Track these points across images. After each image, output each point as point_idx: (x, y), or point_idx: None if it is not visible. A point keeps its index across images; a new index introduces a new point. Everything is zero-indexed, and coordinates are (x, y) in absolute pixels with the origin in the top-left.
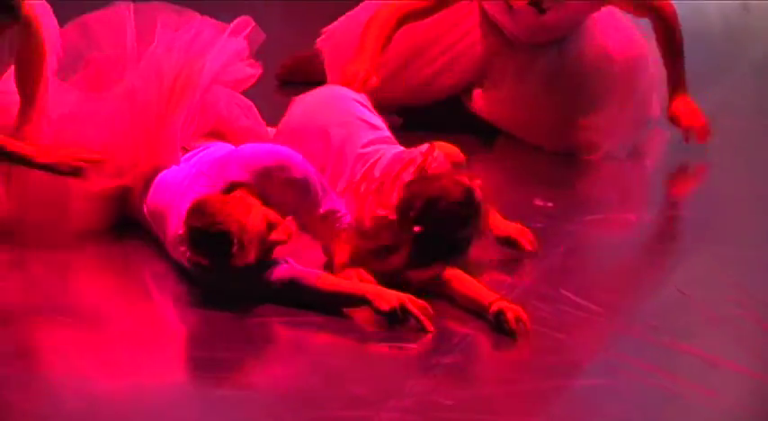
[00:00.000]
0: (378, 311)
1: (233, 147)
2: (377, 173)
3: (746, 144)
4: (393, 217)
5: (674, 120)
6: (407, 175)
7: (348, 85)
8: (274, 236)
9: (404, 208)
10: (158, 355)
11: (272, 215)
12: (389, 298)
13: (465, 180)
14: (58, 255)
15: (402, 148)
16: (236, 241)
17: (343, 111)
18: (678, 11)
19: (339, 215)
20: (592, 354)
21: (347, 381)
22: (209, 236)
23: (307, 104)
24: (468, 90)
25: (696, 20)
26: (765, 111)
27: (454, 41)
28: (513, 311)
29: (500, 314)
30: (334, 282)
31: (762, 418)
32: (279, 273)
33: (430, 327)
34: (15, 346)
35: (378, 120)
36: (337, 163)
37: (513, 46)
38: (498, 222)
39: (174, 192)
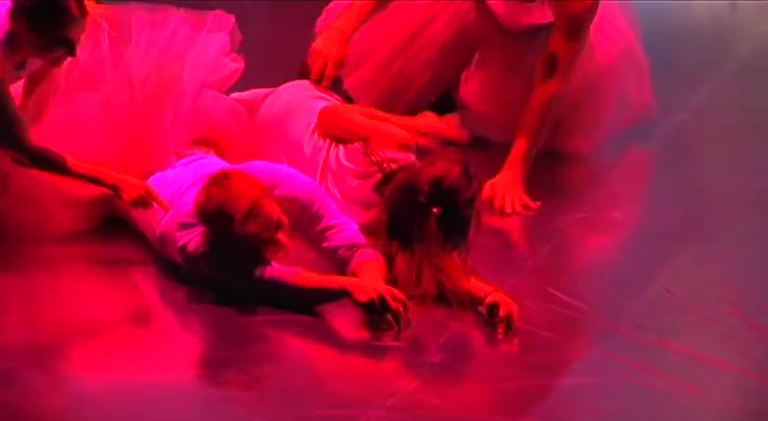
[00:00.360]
0: (357, 303)
1: (226, 163)
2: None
3: (733, 141)
4: (382, 217)
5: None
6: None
7: (316, 64)
8: (279, 235)
9: (408, 195)
10: (144, 356)
11: (284, 219)
12: (368, 289)
13: (453, 155)
14: (44, 253)
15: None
16: (246, 208)
17: (296, 98)
18: (666, 9)
19: (340, 230)
20: (579, 353)
21: (335, 380)
22: (225, 197)
23: (268, 102)
24: (455, 87)
25: (684, 18)
26: (752, 108)
27: (433, 35)
28: (506, 306)
29: (494, 307)
30: (313, 278)
31: (748, 415)
32: (266, 272)
33: (405, 322)
34: (5, 345)
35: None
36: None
37: (505, 33)
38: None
39: (170, 195)
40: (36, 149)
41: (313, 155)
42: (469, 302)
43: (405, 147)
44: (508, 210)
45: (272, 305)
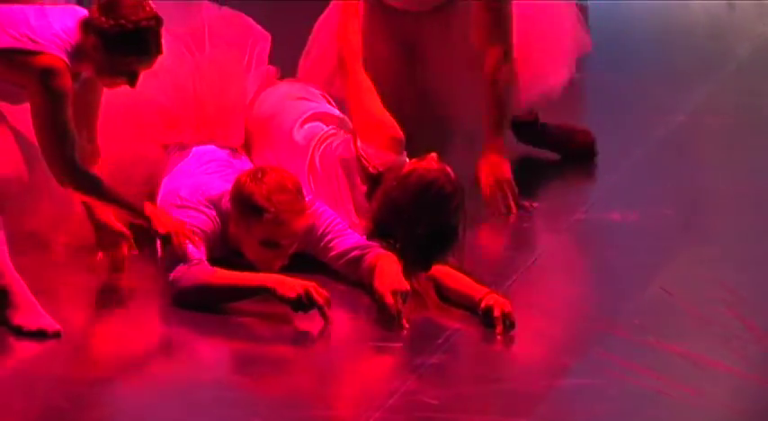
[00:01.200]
0: (282, 298)
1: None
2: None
3: (731, 142)
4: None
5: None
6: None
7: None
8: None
9: (393, 211)
10: (142, 357)
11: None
12: (293, 285)
13: (433, 164)
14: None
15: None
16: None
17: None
18: (664, 9)
19: (347, 236)
20: (577, 354)
21: (332, 382)
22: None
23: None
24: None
25: (681, 18)
26: (750, 109)
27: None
28: (501, 306)
29: (490, 310)
30: (232, 275)
31: (746, 416)
32: (182, 279)
33: (329, 316)
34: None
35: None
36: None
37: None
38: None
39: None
40: (82, 172)
41: (305, 140)
42: (465, 305)
43: (395, 142)
44: (507, 211)
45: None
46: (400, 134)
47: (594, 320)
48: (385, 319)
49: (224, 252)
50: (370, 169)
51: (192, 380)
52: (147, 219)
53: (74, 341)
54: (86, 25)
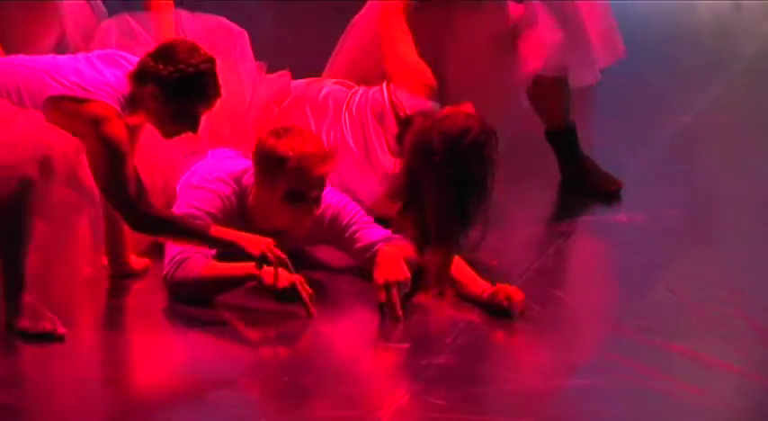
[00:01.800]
0: (268, 287)
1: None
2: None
3: (737, 142)
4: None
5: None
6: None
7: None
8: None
9: (424, 153)
10: (149, 357)
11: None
12: (281, 277)
13: (470, 111)
14: None
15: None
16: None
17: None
18: (670, 9)
19: (373, 229)
20: (584, 355)
21: (340, 382)
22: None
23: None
24: None
25: (688, 18)
26: (756, 109)
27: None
28: (506, 292)
29: (494, 295)
30: (222, 266)
31: (751, 416)
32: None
33: (313, 310)
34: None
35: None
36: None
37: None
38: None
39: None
40: (146, 216)
41: (334, 98)
42: (468, 295)
43: (428, 89)
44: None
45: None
46: (433, 81)
47: (601, 321)
48: (383, 311)
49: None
50: (402, 114)
51: (199, 380)
52: (233, 245)
53: (83, 342)
54: (140, 74)
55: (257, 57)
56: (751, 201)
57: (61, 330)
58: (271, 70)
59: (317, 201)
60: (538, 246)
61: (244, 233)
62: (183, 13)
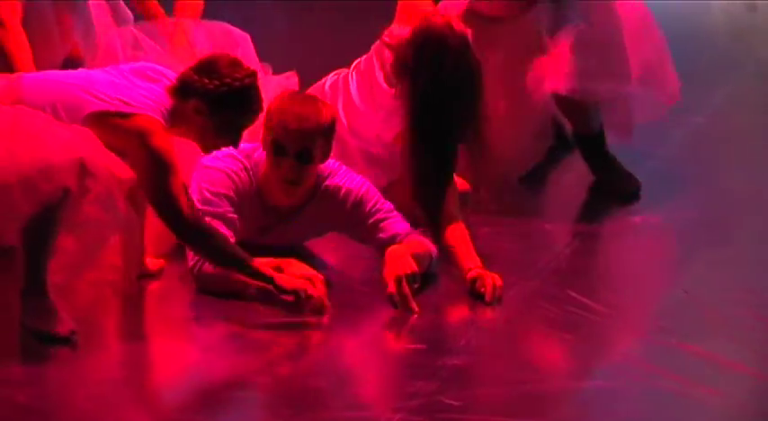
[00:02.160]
0: (280, 289)
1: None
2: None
3: (751, 143)
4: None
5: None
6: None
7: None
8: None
9: (403, 67)
10: (164, 359)
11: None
12: (294, 282)
13: (438, 18)
14: None
15: None
16: None
17: None
18: (684, 10)
19: (395, 221)
20: (598, 356)
21: (353, 383)
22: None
23: None
24: None
25: (702, 19)
26: None
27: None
28: (490, 278)
29: (477, 280)
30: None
31: (766, 417)
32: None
33: (323, 312)
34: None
35: None
36: None
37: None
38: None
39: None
40: (196, 233)
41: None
42: (457, 269)
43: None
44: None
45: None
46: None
47: (616, 322)
48: (395, 305)
49: (260, 211)
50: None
51: (215, 381)
52: (270, 280)
53: (100, 343)
54: (182, 89)
55: (264, 58)
56: (766, 201)
57: (72, 333)
58: (278, 71)
59: (303, 158)
60: (554, 247)
61: (283, 275)
62: (186, 21)
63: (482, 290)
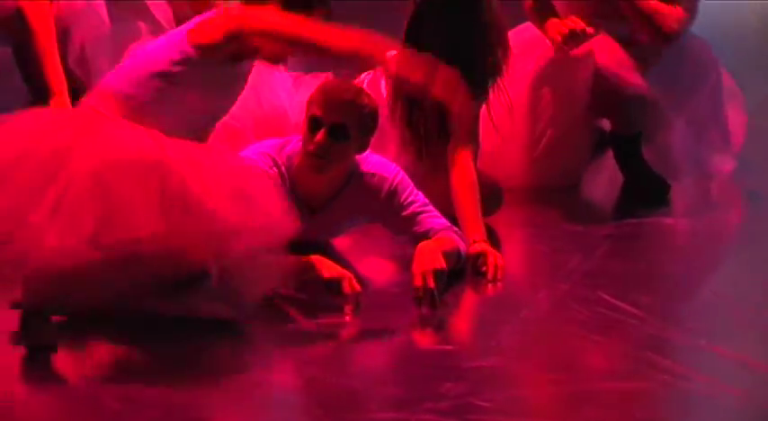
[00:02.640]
0: (318, 277)
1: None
2: None
3: None
4: None
5: None
6: None
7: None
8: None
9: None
10: (192, 358)
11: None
12: (329, 269)
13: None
14: None
15: None
16: None
17: None
18: (713, 10)
19: (432, 216)
20: (628, 357)
21: (384, 383)
22: None
23: None
24: None
25: (732, 20)
26: None
27: None
28: (493, 257)
29: (479, 256)
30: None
31: None
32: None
33: (353, 309)
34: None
35: None
36: None
37: None
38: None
39: None
40: None
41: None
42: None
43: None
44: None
45: None
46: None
47: (645, 323)
48: (420, 301)
49: (293, 204)
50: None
51: (245, 382)
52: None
53: (128, 343)
54: None
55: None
56: None
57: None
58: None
59: (336, 133)
60: (584, 248)
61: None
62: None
63: (483, 269)
